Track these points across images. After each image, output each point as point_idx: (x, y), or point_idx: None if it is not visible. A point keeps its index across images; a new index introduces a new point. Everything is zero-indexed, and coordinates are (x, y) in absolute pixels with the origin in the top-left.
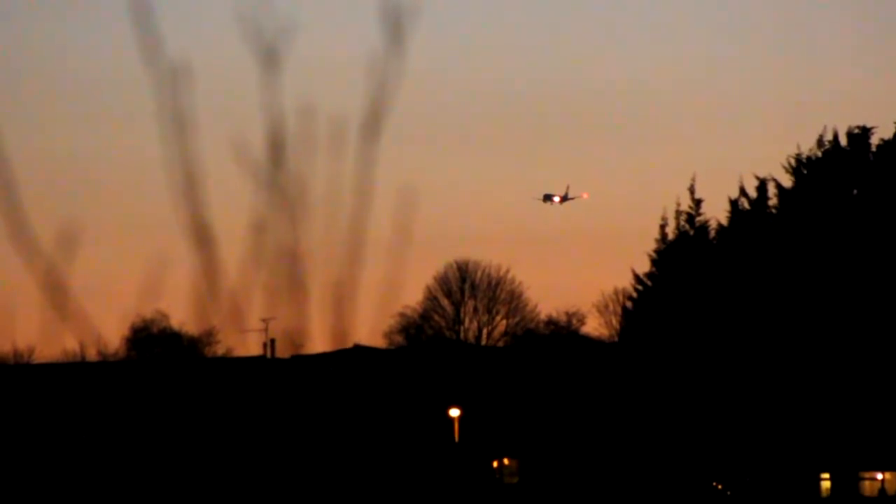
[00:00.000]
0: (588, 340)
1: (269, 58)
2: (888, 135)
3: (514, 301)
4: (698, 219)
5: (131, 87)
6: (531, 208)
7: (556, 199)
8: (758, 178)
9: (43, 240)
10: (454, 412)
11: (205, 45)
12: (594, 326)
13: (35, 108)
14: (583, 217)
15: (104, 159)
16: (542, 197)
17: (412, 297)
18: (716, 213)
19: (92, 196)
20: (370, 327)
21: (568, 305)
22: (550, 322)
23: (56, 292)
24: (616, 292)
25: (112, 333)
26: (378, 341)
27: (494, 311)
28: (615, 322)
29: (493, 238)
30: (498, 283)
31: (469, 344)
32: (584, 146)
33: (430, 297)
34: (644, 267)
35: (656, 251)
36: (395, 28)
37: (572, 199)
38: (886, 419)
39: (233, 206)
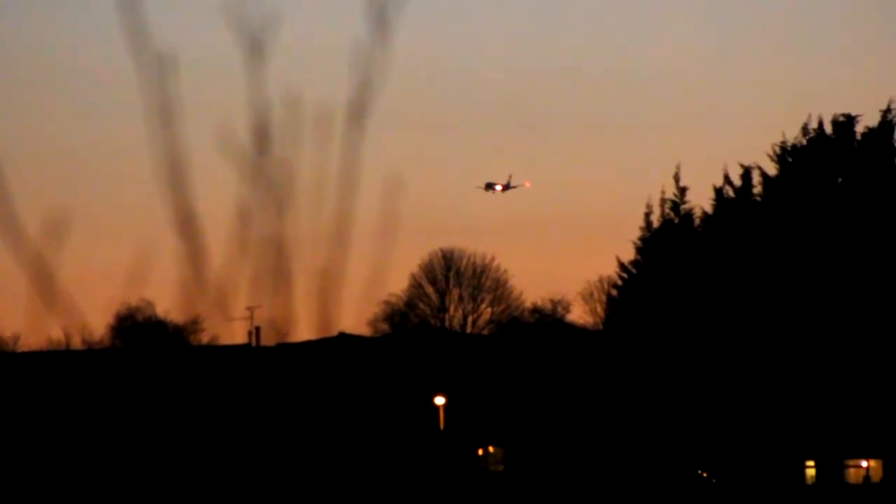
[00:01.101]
0: (573, 328)
1: (255, 46)
2: (873, 123)
3: (499, 289)
4: (683, 207)
5: (117, 77)
6: (517, 196)
7: (498, 187)
8: (742, 166)
9: (29, 228)
10: (439, 400)
11: (191, 34)
12: (579, 314)
13: (21, 98)
14: (567, 205)
15: (90, 148)
16: (483, 185)
17: (397, 285)
18: (700, 201)
19: (78, 184)
20: (355, 315)
21: (553, 293)
22: (535, 310)
23: (42, 281)
24: (601, 280)
25: (97, 322)
26: (363, 329)
27: (479, 299)
28: (600, 310)
29: (478, 226)
30: (483, 271)
31: (454, 332)
32: (569, 134)
33: (415, 285)
34: (629, 255)
35: (641, 239)
36: (381, 16)
37: (515, 187)
38: (871, 407)
39: (218, 194)
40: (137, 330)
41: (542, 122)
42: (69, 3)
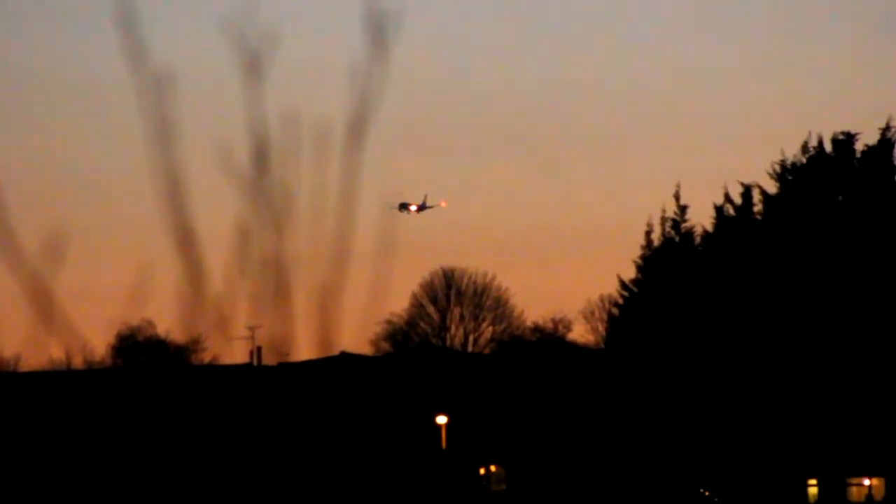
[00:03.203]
0: (574, 347)
1: (253, 64)
2: (873, 140)
3: (500, 308)
4: (684, 225)
5: (116, 94)
6: (518, 215)
7: (413, 207)
8: (743, 184)
9: (28, 247)
10: (441, 419)
11: (189, 52)
12: (580, 333)
13: (20, 115)
14: (568, 224)
15: (89, 166)
16: (397, 206)
17: (398, 304)
18: (701, 219)
19: (77, 203)
20: (356, 334)
21: (554, 312)
22: (537, 329)
23: (41, 300)
24: (602, 299)
25: (98, 341)
26: (364, 348)
27: (480, 318)
28: (601, 328)
29: (479, 245)
30: (484, 290)
31: (455, 351)
32: (569, 152)
33: (416, 304)
34: (630, 273)
35: (642, 257)
36: (379, 33)
37: (430, 207)
38: (874, 425)
39: (217, 213)
40: (138, 349)
41: (542, 139)
42: (68, 21)
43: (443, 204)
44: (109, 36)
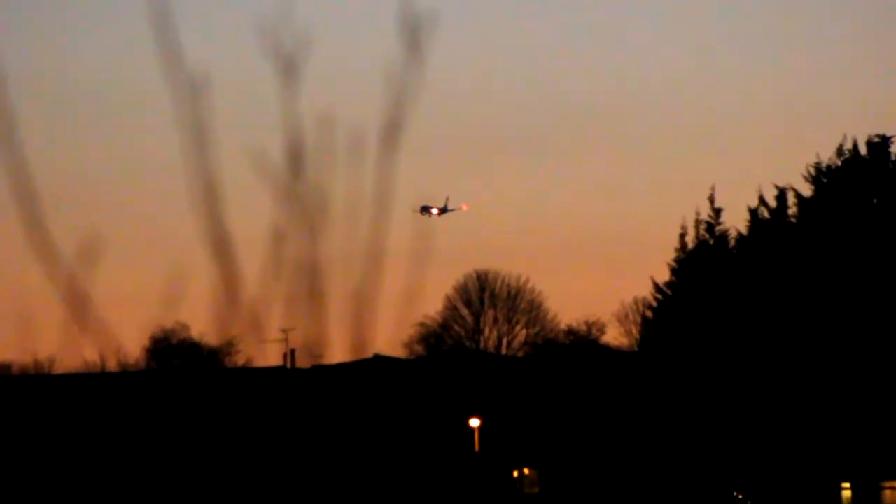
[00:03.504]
0: (608, 350)
1: (288, 68)
2: None
3: (534, 311)
4: (718, 228)
5: (151, 99)
6: (551, 218)
7: (435, 210)
8: (777, 187)
9: (64, 251)
10: (474, 422)
11: (224, 56)
12: (614, 336)
13: (55, 120)
14: (602, 226)
15: (124, 170)
16: (419, 209)
17: (432, 306)
18: (735, 222)
19: (112, 207)
20: (390, 337)
21: (588, 315)
22: (570, 332)
23: (77, 303)
24: (636, 302)
25: (132, 344)
26: (398, 351)
27: (514, 321)
28: (635, 331)
29: (512, 247)
30: (517, 293)
31: (489, 354)
32: (604, 155)
33: (450, 307)
34: (663, 276)
35: (676, 260)
36: (414, 37)
37: (451, 210)
38: None
39: (252, 216)
40: (172, 352)
41: (576, 143)
42: (103, 26)
43: (464, 207)
44: (145, 41)
